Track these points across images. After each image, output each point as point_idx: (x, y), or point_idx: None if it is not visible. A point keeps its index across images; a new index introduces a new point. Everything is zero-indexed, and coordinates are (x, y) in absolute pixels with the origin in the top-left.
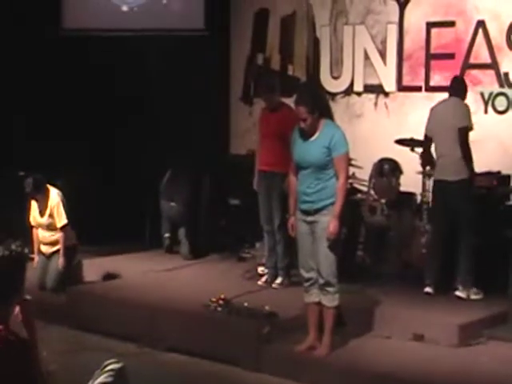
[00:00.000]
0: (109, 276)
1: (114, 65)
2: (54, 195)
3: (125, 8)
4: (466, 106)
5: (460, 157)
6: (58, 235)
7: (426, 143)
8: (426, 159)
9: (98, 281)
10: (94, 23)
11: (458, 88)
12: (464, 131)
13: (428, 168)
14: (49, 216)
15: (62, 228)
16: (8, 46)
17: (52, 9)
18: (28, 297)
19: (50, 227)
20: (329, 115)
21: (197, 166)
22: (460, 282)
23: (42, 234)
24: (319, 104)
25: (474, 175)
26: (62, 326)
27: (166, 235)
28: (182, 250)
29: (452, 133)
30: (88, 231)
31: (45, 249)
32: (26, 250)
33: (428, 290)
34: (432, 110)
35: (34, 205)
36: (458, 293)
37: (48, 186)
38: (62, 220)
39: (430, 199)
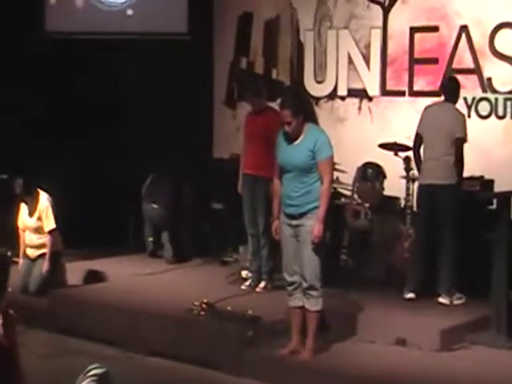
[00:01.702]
0: (92, 275)
1: (96, 68)
2: (44, 199)
3: (108, 11)
4: (464, 116)
5: (450, 162)
6: (45, 239)
7: (417, 142)
8: (417, 159)
9: (80, 284)
10: (76, 27)
11: (452, 91)
12: (461, 142)
13: (412, 172)
14: (37, 219)
15: (50, 232)
16: None
17: (35, 12)
18: (11, 311)
19: (38, 230)
20: (313, 119)
21: (179, 169)
22: (442, 288)
23: (28, 237)
24: (304, 108)
25: (462, 183)
26: (44, 330)
27: (150, 239)
28: (166, 254)
29: (447, 139)
30: (71, 235)
31: (30, 252)
32: (9, 253)
33: (410, 295)
34: (427, 110)
35: (22, 207)
36: (440, 299)
37: (38, 189)
38: (50, 224)
39: (415, 203)
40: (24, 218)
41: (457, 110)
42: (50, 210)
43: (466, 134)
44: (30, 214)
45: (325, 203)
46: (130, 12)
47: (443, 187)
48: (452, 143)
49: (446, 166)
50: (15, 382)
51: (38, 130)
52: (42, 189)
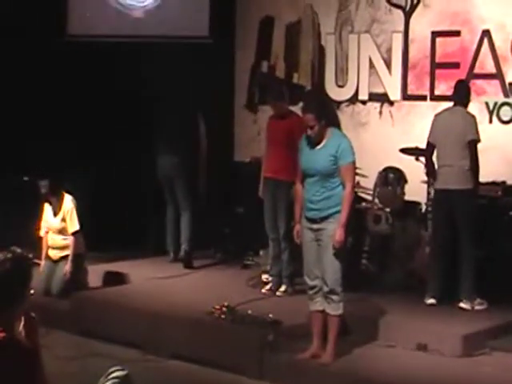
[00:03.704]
0: (112, 277)
1: (118, 71)
2: (68, 201)
3: (130, 15)
4: (474, 118)
5: (465, 167)
6: (69, 240)
7: (428, 151)
8: (431, 167)
9: (102, 286)
10: (99, 30)
11: (463, 95)
12: (474, 144)
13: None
14: (61, 220)
15: (74, 234)
16: (13, 52)
17: (58, 15)
18: (33, 314)
19: (62, 231)
20: (336, 123)
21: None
22: (463, 293)
23: (52, 238)
24: (327, 112)
25: (478, 187)
26: (66, 332)
27: (172, 251)
28: (184, 259)
29: (459, 143)
30: (93, 237)
31: (53, 253)
32: (31, 255)
33: (431, 301)
34: (437, 117)
35: (46, 207)
36: (462, 304)
37: (63, 190)
38: (74, 226)
39: (431, 208)
40: (48, 219)
41: (466, 112)
42: (75, 211)
43: (478, 135)
44: (55, 214)
45: (347, 208)
46: (151, 15)
47: (460, 192)
48: (465, 147)
49: (461, 171)
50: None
51: (60, 133)
52: (66, 191)
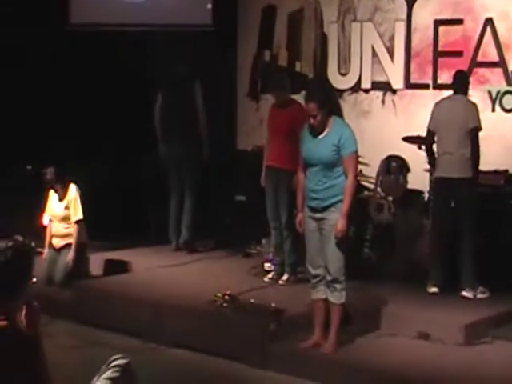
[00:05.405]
0: (114, 265)
1: (120, 61)
2: (73, 189)
3: (132, 3)
4: (476, 106)
5: (466, 155)
6: (72, 229)
7: (429, 138)
8: (431, 155)
9: (104, 275)
10: (100, 18)
11: (462, 84)
12: (475, 131)
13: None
14: (65, 208)
15: (77, 222)
16: (14, 41)
17: (60, 4)
18: (35, 303)
19: (65, 219)
20: (339, 113)
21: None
22: (466, 282)
23: (55, 226)
24: (329, 101)
25: (478, 174)
26: (68, 321)
27: (174, 239)
28: (182, 239)
29: (461, 131)
30: (95, 226)
31: (56, 241)
32: (33, 244)
33: (433, 290)
34: (437, 105)
35: (51, 194)
36: (464, 293)
37: (68, 179)
38: (77, 214)
39: (431, 196)
40: (52, 206)
41: (467, 100)
42: (79, 200)
43: (479, 123)
44: (60, 200)
45: (349, 198)
46: (154, 4)
47: (460, 180)
48: (466, 135)
49: (461, 160)
50: (39, 373)
51: (63, 122)
52: (70, 180)
